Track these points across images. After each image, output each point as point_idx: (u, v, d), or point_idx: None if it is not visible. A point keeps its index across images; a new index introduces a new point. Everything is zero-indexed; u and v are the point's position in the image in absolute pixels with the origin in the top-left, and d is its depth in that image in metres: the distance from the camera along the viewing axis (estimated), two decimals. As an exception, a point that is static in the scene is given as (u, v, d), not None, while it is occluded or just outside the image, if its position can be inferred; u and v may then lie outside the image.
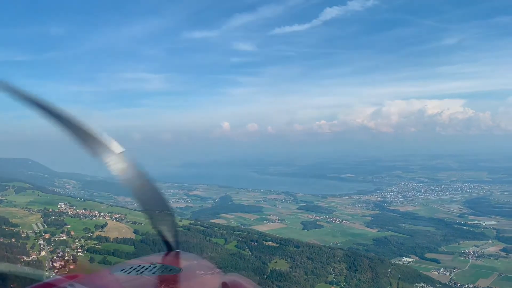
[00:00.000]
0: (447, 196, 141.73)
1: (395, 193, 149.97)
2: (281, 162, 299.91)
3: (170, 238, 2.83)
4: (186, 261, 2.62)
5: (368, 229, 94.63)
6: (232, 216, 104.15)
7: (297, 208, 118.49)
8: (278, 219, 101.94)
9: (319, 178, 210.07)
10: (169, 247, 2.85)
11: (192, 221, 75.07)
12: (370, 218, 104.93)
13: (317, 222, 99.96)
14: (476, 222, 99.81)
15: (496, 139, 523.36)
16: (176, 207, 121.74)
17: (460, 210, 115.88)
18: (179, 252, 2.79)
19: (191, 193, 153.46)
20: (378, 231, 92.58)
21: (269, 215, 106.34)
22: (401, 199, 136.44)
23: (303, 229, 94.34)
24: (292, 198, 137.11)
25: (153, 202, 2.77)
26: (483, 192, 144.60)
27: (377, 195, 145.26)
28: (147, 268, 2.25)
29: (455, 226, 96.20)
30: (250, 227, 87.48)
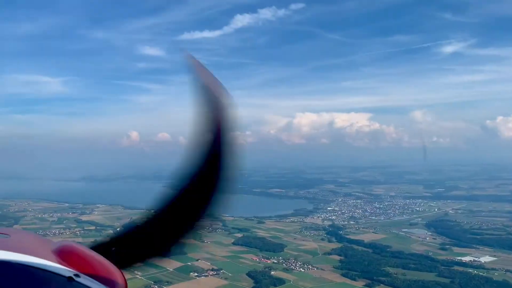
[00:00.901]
0: (401, 217, 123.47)
1: (339, 213, 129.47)
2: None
3: None
4: (17, 232, 2.55)
5: (349, 280, 66.94)
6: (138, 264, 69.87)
7: (233, 243, 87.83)
8: (212, 268, 70.22)
9: (243, 194, 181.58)
10: None
11: None
12: (337, 257, 78.45)
13: (272, 272, 70.04)
14: (471, 259, 78.49)
15: (404, 151, 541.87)
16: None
17: (434, 239, 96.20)
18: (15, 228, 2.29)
19: (84, 217, 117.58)
20: (367, 284, 64.91)
21: (197, 259, 73.60)
22: (352, 222, 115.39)
23: (255, 290, 64.63)
24: (221, 223, 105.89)
25: None
26: (435, 211, 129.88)
27: (320, 216, 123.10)
28: None
29: (455, 268, 72.51)
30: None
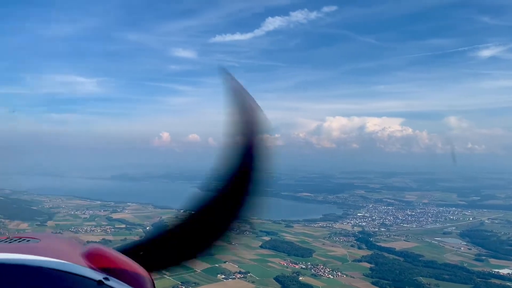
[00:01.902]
0: (433, 225, 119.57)
1: (370, 219, 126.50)
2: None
3: None
4: (47, 236, 2.47)
5: (380, 290, 65.00)
6: (167, 264, 70.14)
7: (260, 247, 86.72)
8: (239, 271, 69.67)
9: (272, 197, 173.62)
10: None
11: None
12: (367, 265, 76.28)
13: (300, 277, 68.70)
14: (510, 271, 74.72)
15: (438, 157, 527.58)
16: (87, 242, 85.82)
17: (469, 249, 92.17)
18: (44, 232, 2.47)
19: (115, 215, 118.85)
20: (399, 295, 63.14)
21: (224, 261, 73.19)
22: (382, 229, 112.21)
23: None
24: (248, 226, 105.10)
25: None
26: (470, 220, 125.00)
27: (350, 222, 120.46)
28: (3, 240, 2.23)
29: (492, 281, 69.48)
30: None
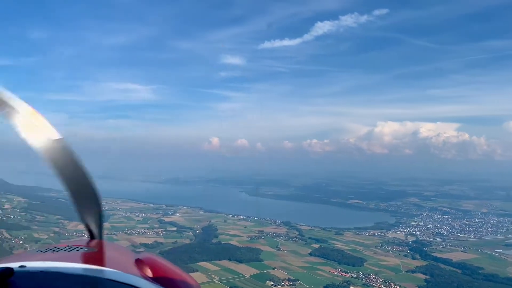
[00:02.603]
0: (494, 236, 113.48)
1: (424, 228, 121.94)
2: (274, 182, 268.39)
3: (94, 228, 2.84)
4: (103, 245, 2.72)
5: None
6: (216, 268, 71.33)
7: (310, 254, 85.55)
8: (288, 278, 68.91)
9: (321, 204, 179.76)
10: (91, 236, 2.88)
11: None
12: (421, 276, 73.39)
13: (351, 287, 67.06)
14: None
15: (497, 165, 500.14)
16: (141, 244, 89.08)
17: None
18: (100, 240, 2.80)
19: (167, 218, 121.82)
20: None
21: (273, 267, 72.83)
22: (438, 239, 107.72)
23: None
24: (297, 232, 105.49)
25: (80, 187, 2.65)
26: None
27: (403, 231, 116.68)
28: (62, 249, 2.35)
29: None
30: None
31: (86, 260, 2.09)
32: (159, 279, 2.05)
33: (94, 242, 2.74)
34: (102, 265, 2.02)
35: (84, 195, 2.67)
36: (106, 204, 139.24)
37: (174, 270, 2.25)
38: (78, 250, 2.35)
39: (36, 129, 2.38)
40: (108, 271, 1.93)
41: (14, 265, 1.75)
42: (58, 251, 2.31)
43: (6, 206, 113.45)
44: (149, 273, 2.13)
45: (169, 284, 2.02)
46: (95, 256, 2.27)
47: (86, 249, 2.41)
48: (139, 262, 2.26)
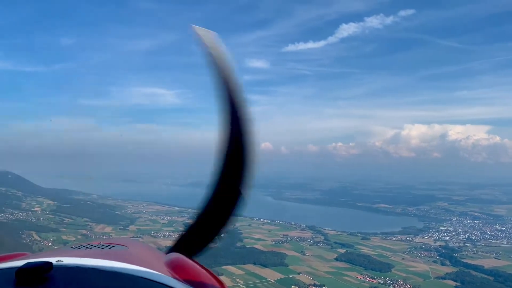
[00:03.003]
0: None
1: (454, 233, 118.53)
2: (298, 186, 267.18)
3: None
4: (133, 243, 2.68)
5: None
6: (241, 272, 70.91)
7: (335, 259, 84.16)
8: (313, 283, 67.92)
9: (347, 208, 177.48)
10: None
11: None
12: (452, 283, 71.42)
13: (378, 293, 65.52)
14: None
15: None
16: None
17: None
18: (130, 238, 2.74)
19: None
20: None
21: (298, 272, 71.85)
22: (468, 244, 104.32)
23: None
24: (322, 237, 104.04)
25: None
26: None
27: (432, 236, 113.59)
28: (95, 246, 2.42)
29: None
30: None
31: (119, 258, 2.10)
32: (188, 280, 2.06)
33: (124, 240, 2.67)
34: (134, 263, 2.04)
35: None
36: (132, 207, 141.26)
37: (202, 271, 2.22)
38: (110, 248, 2.40)
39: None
40: (140, 269, 1.96)
41: (52, 259, 1.82)
42: (91, 248, 2.38)
43: (36, 209, 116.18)
44: (178, 273, 2.13)
45: (198, 285, 2.03)
46: (127, 254, 2.29)
47: (118, 247, 2.43)
48: (168, 262, 2.28)
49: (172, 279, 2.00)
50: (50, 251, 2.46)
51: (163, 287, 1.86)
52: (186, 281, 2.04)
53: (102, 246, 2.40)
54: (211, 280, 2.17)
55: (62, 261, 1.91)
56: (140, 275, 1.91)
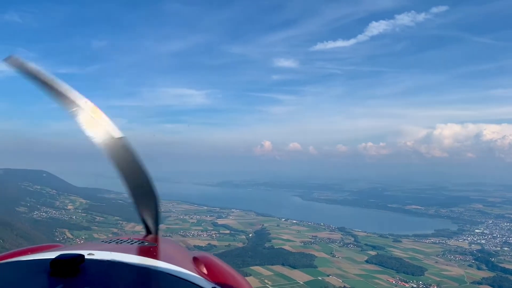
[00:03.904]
0: None
1: (490, 236, 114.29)
2: (327, 186, 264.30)
3: (151, 223, 2.96)
4: (162, 240, 2.87)
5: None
6: (269, 273, 70.33)
7: (366, 261, 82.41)
8: (343, 286, 66.80)
9: (377, 209, 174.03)
10: (148, 231, 3.02)
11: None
12: (489, 289, 67.76)
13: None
14: None
15: None
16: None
17: None
18: (157, 235, 2.97)
19: (220, 221, 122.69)
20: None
21: (328, 274, 70.55)
22: (506, 248, 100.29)
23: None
24: (352, 238, 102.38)
25: (139, 184, 2.74)
26: None
27: (466, 239, 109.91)
28: (124, 241, 2.58)
29: None
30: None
31: (148, 254, 2.22)
32: (215, 278, 2.14)
33: (154, 237, 2.83)
34: (162, 259, 2.14)
35: (142, 192, 2.69)
36: (162, 206, 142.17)
37: (229, 271, 2.31)
38: (139, 243, 2.51)
39: (98, 126, 2.43)
40: (169, 266, 2.04)
41: (84, 252, 1.95)
42: (121, 243, 2.52)
43: (69, 207, 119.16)
44: (205, 271, 2.23)
45: (224, 284, 2.11)
46: (156, 250, 2.37)
47: (147, 243, 2.55)
48: (196, 260, 2.37)
49: (199, 277, 2.07)
50: (81, 244, 2.73)
51: (190, 285, 1.91)
52: (213, 279, 2.12)
53: (132, 241, 2.54)
54: (237, 280, 2.25)
55: (93, 255, 2.03)
56: (168, 271, 1.98)
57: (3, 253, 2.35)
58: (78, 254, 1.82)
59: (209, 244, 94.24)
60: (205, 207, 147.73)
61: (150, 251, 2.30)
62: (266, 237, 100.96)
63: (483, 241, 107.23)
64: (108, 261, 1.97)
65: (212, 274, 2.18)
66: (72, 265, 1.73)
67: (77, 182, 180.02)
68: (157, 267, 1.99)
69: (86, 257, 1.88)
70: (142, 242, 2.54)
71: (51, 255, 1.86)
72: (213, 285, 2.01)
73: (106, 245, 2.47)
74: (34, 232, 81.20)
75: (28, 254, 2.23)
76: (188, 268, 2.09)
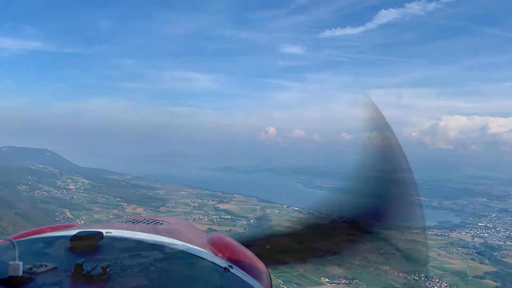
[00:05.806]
0: None
1: (493, 230, 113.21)
2: (331, 174, 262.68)
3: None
4: (177, 221, 3.01)
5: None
6: (270, 260, 68.93)
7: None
8: (345, 276, 65.45)
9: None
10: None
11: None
12: (492, 283, 67.99)
13: (412, 290, 62.64)
14: None
15: None
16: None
17: None
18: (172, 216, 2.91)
19: (222, 206, 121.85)
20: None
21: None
22: (509, 242, 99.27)
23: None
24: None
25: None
26: None
27: (469, 232, 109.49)
28: (141, 221, 2.70)
29: None
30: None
31: (164, 233, 2.29)
32: (229, 257, 2.21)
33: (168, 218, 2.89)
34: (178, 238, 2.22)
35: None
36: (164, 189, 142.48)
37: (243, 251, 2.38)
38: (155, 223, 2.61)
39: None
40: (185, 244, 2.14)
41: (102, 230, 2.05)
42: (138, 223, 2.64)
43: (71, 187, 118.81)
44: (219, 250, 2.28)
45: (238, 263, 2.16)
46: (172, 229, 2.46)
47: (163, 224, 2.65)
48: (210, 240, 2.46)
49: (214, 255, 2.16)
50: (99, 223, 2.84)
51: (207, 263, 1.99)
52: (227, 258, 2.20)
53: (148, 221, 2.65)
54: (251, 259, 2.32)
55: (111, 233, 2.14)
56: (184, 249, 2.08)
57: (22, 232, 2.41)
58: (97, 231, 1.93)
59: (209, 228, 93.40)
60: (207, 191, 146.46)
61: (166, 230, 2.37)
62: (267, 224, 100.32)
63: (486, 235, 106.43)
64: (126, 238, 2.07)
65: (226, 252, 2.24)
66: (92, 241, 1.83)
67: (81, 162, 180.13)
68: (174, 244, 2.08)
69: (105, 234, 1.99)
70: (157, 222, 2.60)
71: (69, 233, 1.97)
72: (228, 263, 2.08)
73: (123, 224, 2.54)
74: (33, 211, 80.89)
75: (47, 232, 2.33)
76: (203, 248, 2.17)
